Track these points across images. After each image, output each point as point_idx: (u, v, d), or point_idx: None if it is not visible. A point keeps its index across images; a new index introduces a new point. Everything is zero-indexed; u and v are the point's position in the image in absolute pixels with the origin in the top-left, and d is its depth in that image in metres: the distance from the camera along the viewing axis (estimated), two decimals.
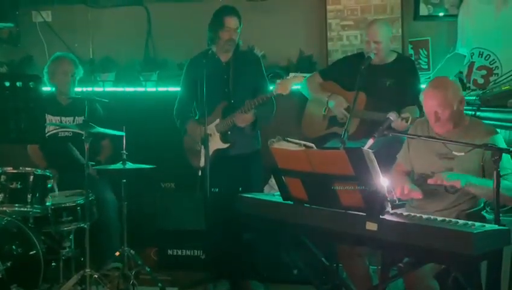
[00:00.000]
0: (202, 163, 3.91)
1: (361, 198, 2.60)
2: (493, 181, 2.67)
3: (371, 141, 3.05)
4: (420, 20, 4.73)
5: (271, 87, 4.09)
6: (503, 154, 2.76)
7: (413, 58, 4.61)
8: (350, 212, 2.67)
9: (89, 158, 3.74)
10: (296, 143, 2.89)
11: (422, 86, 4.12)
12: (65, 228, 3.85)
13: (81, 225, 3.83)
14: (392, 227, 2.55)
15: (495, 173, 2.63)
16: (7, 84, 4.94)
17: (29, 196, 3.72)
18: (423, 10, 4.69)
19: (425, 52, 4.69)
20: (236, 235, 4.11)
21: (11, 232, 3.69)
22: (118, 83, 5.03)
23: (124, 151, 3.92)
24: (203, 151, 3.87)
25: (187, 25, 4.98)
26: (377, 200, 2.57)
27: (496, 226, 2.51)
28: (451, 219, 2.61)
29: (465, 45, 4.42)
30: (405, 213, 2.74)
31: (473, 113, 3.85)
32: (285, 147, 2.92)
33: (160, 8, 5.10)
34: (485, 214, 3.17)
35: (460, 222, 2.56)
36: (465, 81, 4.31)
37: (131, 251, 4.05)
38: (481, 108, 3.89)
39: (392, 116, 3.37)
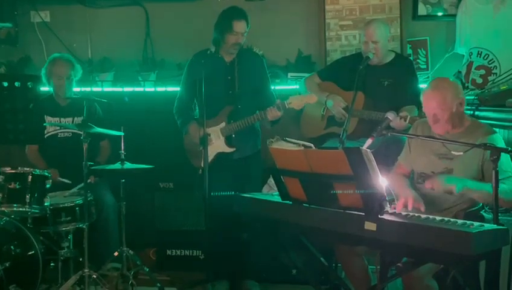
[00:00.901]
0: (203, 163, 3.90)
1: (360, 198, 2.60)
2: (490, 184, 2.67)
3: (369, 141, 3.05)
4: (419, 20, 4.73)
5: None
6: (503, 155, 2.76)
7: (411, 58, 4.61)
8: (349, 212, 2.67)
9: (88, 158, 3.73)
10: (295, 143, 2.90)
11: (421, 85, 4.13)
12: (64, 228, 3.85)
13: (80, 225, 3.83)
14: (390, 227, 2.55)
15: (493, 172, 2.64)
16: (5, 84, 4.94)
17: (27, 196, 3.72)
18: (422, 10, 4.69)
19: (424, 52, 4.69)
20: (235, 235, 4.11)
21: (10, 233, 3.69)
22: (116, 83, 5.03)
23: (123, 152, 3.92)
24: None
25: (185, 25, 4.98)
26: (375, 200, 2.57)
27: (495, 226, 2.50)
28: (449, 219, 2.60)
29: (464, 44, 4.42)
30: (404, 213, 2.74)
31: (472, 112, 3.85)
32: (283, 147, 2.92)
33: (159, 8, 5.09)
34: (483, 213, 3.17)
35: (459, 221, 2.56)
36: (463, 80, 4.31)
37: (130, 251, 4.06)
38: (479, 107, 3.89)
39: (390, 115, 3.37)
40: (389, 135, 3.13)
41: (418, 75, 4.30)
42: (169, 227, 4.57)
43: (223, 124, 4.03)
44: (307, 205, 2.85)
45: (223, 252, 4.08)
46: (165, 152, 4.58)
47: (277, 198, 3.04)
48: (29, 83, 4.93)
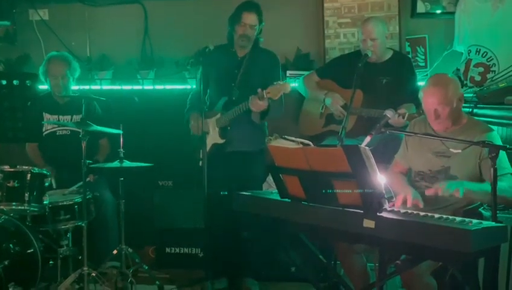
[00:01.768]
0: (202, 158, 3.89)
1: (359, 195, 2.60)
2: (488, 184, 2.68)
3: (368, 139, 3.06)
4: (417, 17, 4.72)
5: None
6: (500, 152, 2.76)
7: (410, 56, 4.62)
8: (347, 209, 2.67)
9: (86, 157, 3.73)
10: (294, 141, 2.90)
11: (420, 83, 4.14)
12: (63, 227, 3.84)
13: (79, 223, 3.82)
14: (389, 224, 2.55)
15: (492, 169, 2.64)
16: (4, 82, 4.94)
17: (26, 195, 3.73)
18: (420, 7, 4.68)
19: (423, 50, 4.69)
20: (234, 233, 4.11)
21: (9, 231, 3.69)
22: (115, 81, 5.03)
23: (121, 150, 3.92)
24: (207, 138, 3.86)
25: (184, 22, 4.98)
26: (374, 198, 2.57)
27: (493, 223, 2.51)
28: (448, 216, 2.60)
29: (462, 42, 4.42)
30: (402, 210, 2.74)
31: (470, 110, 3.86)
32: (282, 144, 2.92)
33: (157, 6, 5.09)
34: (482, 211, 3.17)
35: (458, 219, 2.56)
36: (462, 78, 4.31)
37: (129, 249, 4.06)
38: (478, 105, 3.89)
39: (389, 113, 3.38)
40: (388, 132, 3.13)
41: (417, 73, 4.30)
42: (168, 225, 4.58)
43: (218, 115, 4.04)
44: (306, 203, 2.85)
45: (222, 250, 4.08)
46: (164, 150, 4.58)
47: (276, 196, 3.04)
48: (27, 81, 4.93)
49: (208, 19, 4.17)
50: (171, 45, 5.01)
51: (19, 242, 3.68)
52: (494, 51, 4.22)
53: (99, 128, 3.86)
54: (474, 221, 2.48)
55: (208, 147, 3.96)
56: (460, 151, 3.05)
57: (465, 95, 3.57)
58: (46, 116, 4.44)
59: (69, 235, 3.87)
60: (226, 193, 3.95)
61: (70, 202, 3.88)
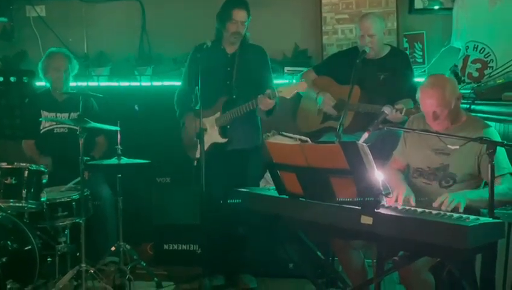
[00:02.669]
0: (198, 154, 3.90)
1: (356, 192, 2.61)
2: (486, 190, 2.67)
3: (365, 135, 3.06)
4: (415, 13, 4.72)
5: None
6: (499, 151, 2.76)
7: (408, 52, 4.61)
8: (345, 206, 2.67)
9: (83, 153, 3.73)
10: (291, 137, 2.89)
11: (417, 79, 4.14)
12: (60, 223, 3.84)
13: (77, 220, 3.82)
14: (387, 221, 2.55)
15: (489, 166, 2.64)
16: (1, 79, 4.94)
17: (24, 191, 3.72)
18: (418, 3, 4.67)
19: (420, 46, 4.68)
20: (232, 230, 4.11)
21: (6, 228, 3.68)
22: (112, 78, 5.02)
23: (119, 146, 3.92)
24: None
25: (182, 19, 4.97)
26: (372, 194, 2.57)
27: (491, 220, 2.51)
28: (445, 213, 2.61)
29: (460, 38, 4.41)
30: (400, 207, 2.75)
31: (468, 106, 3.85)
32: (280, 141, 2.92)
33: (155, 2, 5.07)
34: None
35: (455, 215, 2.56)
36: (459, 74, 4.31)
37: (127, 245, 4.06)
38: (476, 101, 3.89)
39: (386, 110, 3.38)
40: (385, 129, 3.13)
41: (415, 69, 4.30)
42: (166, 222, 4.58)
43: (217, 114, 4.03)
44: (304, 199, 2.86)
45: (219, 247, 4.08)
46: (162, 147, 4.58)
47: (274, 192, 3.04)
48: (24, 78, 4.92)
49: (206, 16, 4.16)
50: (168, 42, 5.00)
51: (16, 239, 3.67)
52: (492, 47, 4.21)
53: (96, 125, 3.85)
54: (472, 217, 2.48)
55: (206, 147, 3.95)
56: (458, 147, 3.05)
57: (462, 91, 3.58)
58: (44, 113, 4.44)
59: (66, 232, 3.87)
60: (224, 191, 3.94)
61: (68, 199, 3.88)
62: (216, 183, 3.83)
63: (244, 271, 4.18)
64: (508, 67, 3.90)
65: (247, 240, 4.15)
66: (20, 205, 3.73)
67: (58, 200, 3.86)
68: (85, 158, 3.76)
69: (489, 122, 3.29)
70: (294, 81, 3.81)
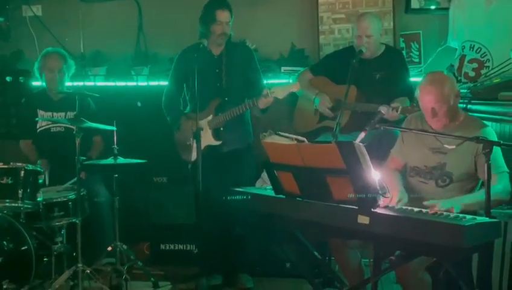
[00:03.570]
0: (193, 157, 3.91)
1: (353, 191, 2.61)
2: (482, 192, 2.68)
3: (362, 135, 3.05)
4: (411, 13, 4.72)
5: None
6: (495, 150, 2.76)
7: (404, 52, 4.62)
8: (342, 205, 2.67)
9: (80, 153, 3.72)
10: (288, 137, 2.90)
11: (413, 79, 4.14)
12: (57, 223, 3.83)
13: (73, 220, 3.80)
14: (383, 220, 2.56)
15: (486, 165, 2.64)
16: None
17: (20, 192, 3.71)
18: (414, 3, 4.68)
19: (417, 46, 4.69)
20: (229, 229, 4.11)
21: (2, 228, 3.68)
22: (109, 78, 5.01)
23: (115, 146, 3.91)
24: (194, 145, 3.84)
25: (178, 19, 4.96)
26: (368, 194, 2.57)
27: (487, 219, 2.52)
28: (442, 212, 2.61)
29: (457, 38, 4.42)
30: (396, 206, 2.75)
31: (464, 106, 3.86)
32: (276, 141, 2.92)
33: (152, 2, 5.08)
34: None
35: (452, 214, 2.57)
36: (456, 74, 4.32)
37: (124, 245, 4.05)
38: (472, 101, 3.89)
39: (383, 109, 3.38)
40: (382, 128, 3.13)
41: (411, 69, 4.32)
42: (163, 221, 4.57)
43: (210, 117, 4.03)
44: (301, 199, 2.86)
45: (216, 247, 4.08)
46: (158, 147, 4.57)
47: (270, 192, 3.05)
48: (20, 78, 4.92)
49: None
50: (165, 42, 5.00)
51: (12, 239, 3.67)
52: (488, 46, 4.22)
53: (92, 124, 3.85)
54: (468, 217, 2.49)
55: (202, 148, 3.95)
56: (454, 147, 3.05)
57: None
58: (40, 112, 4.43)
59: (63, 232, 3.86)
60: (220, 191, 3.94)
61: (64, 199, 3.87)
62: (212, 183, 3.83)
63: (241, 271, 4.18)
64: (504, 67, 3.91)
65: (244, 240, 4.15)
66: (17, 205, 3.73)
67: (54, 200, 3.85)
68: (81, 158, 3.75)
69: (485, 122, 3.29)
70: (290, 81, 3.82)
